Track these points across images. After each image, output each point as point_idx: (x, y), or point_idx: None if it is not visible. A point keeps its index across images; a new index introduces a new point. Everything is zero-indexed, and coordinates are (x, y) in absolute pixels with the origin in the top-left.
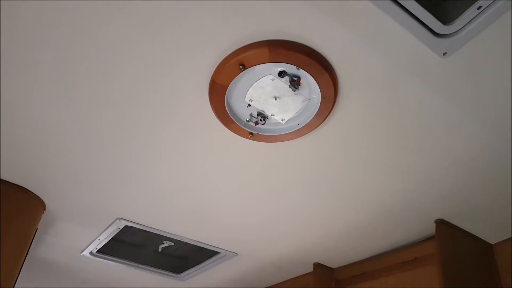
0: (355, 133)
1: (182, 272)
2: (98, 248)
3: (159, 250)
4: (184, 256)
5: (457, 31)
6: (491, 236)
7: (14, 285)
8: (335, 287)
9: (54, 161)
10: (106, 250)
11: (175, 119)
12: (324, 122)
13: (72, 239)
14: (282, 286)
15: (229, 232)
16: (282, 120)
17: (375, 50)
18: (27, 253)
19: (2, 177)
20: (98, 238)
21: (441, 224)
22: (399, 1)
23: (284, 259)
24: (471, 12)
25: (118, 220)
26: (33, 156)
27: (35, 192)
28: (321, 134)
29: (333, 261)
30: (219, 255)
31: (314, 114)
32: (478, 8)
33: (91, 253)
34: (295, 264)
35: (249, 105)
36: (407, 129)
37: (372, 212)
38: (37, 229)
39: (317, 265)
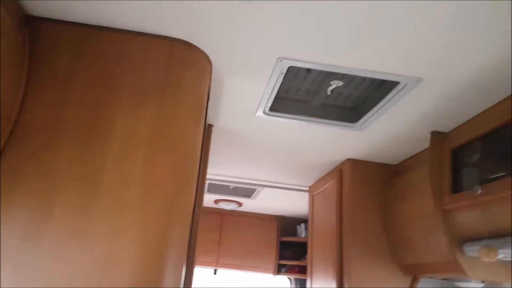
0: None
1: (358, 120)
2: (269, 105)
3: (328, 93)
4: (357, 101)
5: None
6: None
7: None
8: None
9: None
10: (277, 108)
11: None
12: None
13: (242, 99)
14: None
15: (407, 50)
16: None
17: None
18: (205, 117)
19: (163, 33)
20: (266, 92)
21: None
22: None
23: (483, 78)
24: None
25: (279, 61)
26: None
27: (197, 45)
28: None
29: None
30: (398, 87)
31: None
32: None
33: (264, 112)
34: (499, 81)
35: None
36: None
37: None
38: (209, 88)
39: None
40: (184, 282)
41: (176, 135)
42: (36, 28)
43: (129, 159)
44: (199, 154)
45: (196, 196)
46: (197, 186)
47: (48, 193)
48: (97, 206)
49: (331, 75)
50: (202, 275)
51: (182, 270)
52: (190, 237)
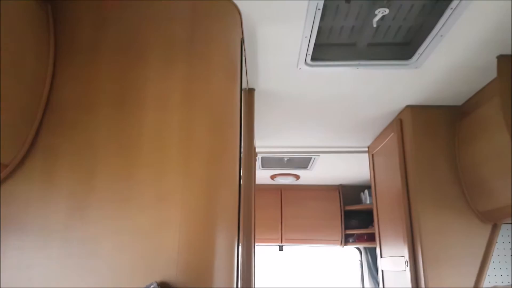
0: None
1: (412, 56)
2: (310, 54)
3: (374, 26)
4: (409, 33)
5: None
6: None
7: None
8: None
9: None
10: (321, 57)
11: None
12: None
13: (280, 52)
14: None
15: None
16: None
17: None
18: (241, 72)
19: None
20: (304, 36)
21: None
22: None
23: None
24: None
25: None
26: None
27: None
28: None
29: None
30: (453, 4)
31: None
32: None
33: (306, 63)
34: None
35: None
36: None
37: None
38: (242, 39)
39: None
40: (244, 255)
41: (209, 92)
42: (57, 4)
43: (165, 122)
44: (238, 111)
45: (242, 161)
46: (241, 150)
47: (89, 166)
48: (139, 173)
49: (375, 4)
50: (268, 252)
51: (234, 235)
52: (239, 202)
